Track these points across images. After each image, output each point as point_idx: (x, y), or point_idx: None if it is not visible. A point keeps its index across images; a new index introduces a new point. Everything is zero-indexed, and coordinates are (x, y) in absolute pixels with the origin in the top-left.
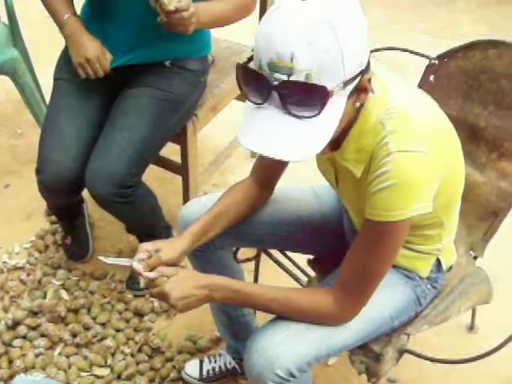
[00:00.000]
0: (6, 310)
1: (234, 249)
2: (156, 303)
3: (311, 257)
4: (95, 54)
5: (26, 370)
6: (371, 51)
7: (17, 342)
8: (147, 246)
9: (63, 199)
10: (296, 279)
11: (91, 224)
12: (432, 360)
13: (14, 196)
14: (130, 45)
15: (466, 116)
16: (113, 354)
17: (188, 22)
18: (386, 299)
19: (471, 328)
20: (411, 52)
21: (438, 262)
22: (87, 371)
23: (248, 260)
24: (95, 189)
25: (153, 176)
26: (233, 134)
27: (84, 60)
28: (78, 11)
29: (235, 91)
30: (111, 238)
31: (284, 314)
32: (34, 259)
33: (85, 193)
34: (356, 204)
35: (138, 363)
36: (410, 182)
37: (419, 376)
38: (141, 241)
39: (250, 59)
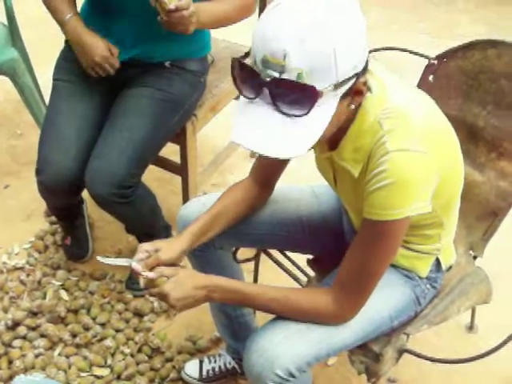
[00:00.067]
0: (5, 311)
1: (234, 249)
2: (156, 303)
3: (311, 257)
4: (102, 54)
5: (25, 371)
6: (370, 51)
7: (16, 343)
8: (146, 246)
9: (63, 200)
10: (295, 279)
11: (91, 224)
12: (432, 360)
13: (14, 196)
14: (133, 41)
15: (465, 116)
16: (112, 355)
17: (188, 21)
18: (386, 299)
19: (471, 328)
20: (410, 52)
21: (438, 262)
22: (87, 371)
23: (247, 260)
24: (95, 189)
25: (152, 176)
26: None
27: (93, 64)
28: (79, 10)
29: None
30: (111, 239)
31: (283, 314)
32: (33, 260)
33: (85, 193)
34: (355, 204)
35: (137, 363)
36: (407, 180)
37: (419, 376)
38: (140, 241)
39: (247, 54)
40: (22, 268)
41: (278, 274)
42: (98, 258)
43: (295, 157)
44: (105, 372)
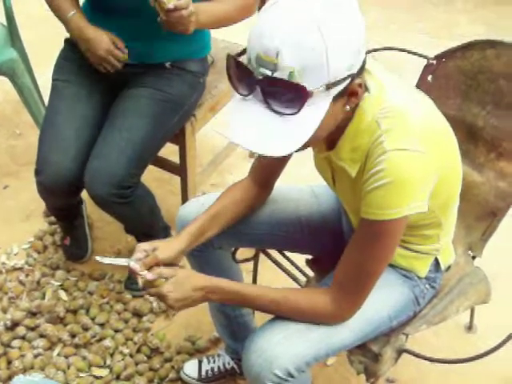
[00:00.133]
0: (4, 311)
1: (233, 249)
2: (155, 304)
3: (310, 257)
4: (105, 47)
5: (24, 371)
6: (369, 51)
7: (15, 343)
8: (144, 245)
9: (62, 200)
10: (295, 279)
11: (90, 225)
12: (430, 360)
13: (13, 197)
14: (134, 41)
15: (465, 116)
16: (112, 355)
17: (187, 21)
18: (385, 299)
19: (470, 328)
20: (409, 52)
21: (437, 262)
22: (86, 371)
23: (246, 260)
24: (94, 189)
25: (151, 176)
26: None
27: (98, 59)
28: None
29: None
30: (110, 239)
31: (282, 314)
32: (32, 260)
33: (84, 194)
34: (353, 204)
35: (136, 363)
36: (404, 180)
37: (418, 376)
38: (139, 241)
39: (244, 51)
40: (20, 268)
41: (277, 274)
42: (97, 257)
43: (284, 155)
44: (104, 372)
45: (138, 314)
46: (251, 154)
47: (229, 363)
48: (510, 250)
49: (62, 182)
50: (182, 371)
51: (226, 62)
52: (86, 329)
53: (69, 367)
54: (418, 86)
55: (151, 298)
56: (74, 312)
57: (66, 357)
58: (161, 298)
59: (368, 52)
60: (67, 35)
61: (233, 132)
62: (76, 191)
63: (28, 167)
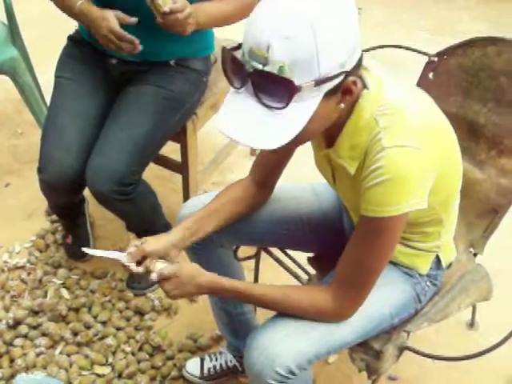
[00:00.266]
0: (6, 310)
1: (234, 247)
2: (157, 302)
3: (311, 255)
4: (108, 25)
5: (27, 369)
6: (371, 49)
7: (18, 342)
8: (136, 241)
9: (65, 198)
10: (296, 277)
11: (92, 223)
12: (432, 357)
13: (15, 195)
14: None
15: (466, 113)
16: (114, 353)
17: (184, 23)
18: (386, 297)
19: (471, 325)
20: (411, 49)
21: (438, 259)
22: (88, 370)
23: (248, 258)
24: (95, 186)
25: (153, 174)
26: None
27: (103, 39)
28: None
29: None
30: (112, 237)
31: (284, 311)
32: (34, 258)
33: (86, 192)
34: (353, 201)
35: (138, 362)
36: (403, 177)
37: (420, 373)
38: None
39: (240, 46)
40: (23, 267)
41: (279, 272)
42: (83, 248)
43: (271, 149)
44: (106, 370)
45: (139, 312)
46: (252, 153)
47: (231, 361)
48: (511, 247)
49: (64, 180)
50: (184, 369)
51: (221, 56)
52: (88, 327)
53: (71, 365)
54: (419, 84)
55: (153, 297)
56: (76, 310)
57: (68, 355)
58: (162, 289)
59: (370, 49)
60: (69, 33)
61: (223, 123)
62: (79, 188)
63: (30, 166)
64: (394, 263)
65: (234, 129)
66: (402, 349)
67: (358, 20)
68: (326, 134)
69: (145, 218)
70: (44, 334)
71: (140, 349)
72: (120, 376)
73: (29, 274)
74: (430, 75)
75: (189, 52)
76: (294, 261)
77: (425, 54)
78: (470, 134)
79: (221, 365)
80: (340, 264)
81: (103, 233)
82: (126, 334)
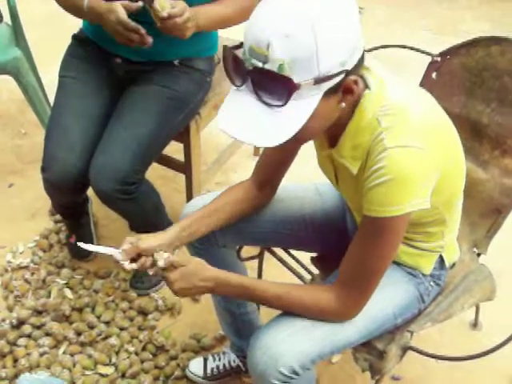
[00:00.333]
0: (10, 310)
1: (238, 247)
2: (160, 302)
3: (315, 254)
4: (116, 16)
5: (30, 369)
6: (373, 48)
7: (21, 341)
8: (131, 238)
9: (68, 197)
10: (300, 277)
11: (95, 223)
12: (436, 357)
13: (18, 195)
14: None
15: (469, 113)
16: (117, 353)
17: (183, 27)
18: (390, 297)
19: (475, 325)
20: (414, 49)
21: (441, 259)
22: (91, 370)
23: (251, 258)
24: (98, 185)
25: (156, 174)
26: None
27: (114, 31)
28: None
29: None
30: (115, 237)
31: (287, 309)
32: (38, 258)
33: (90, 192)
34: (356, 201)
35: (142, 361)
36: (405, 177)
37: (423, 373)
38: None
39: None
40: (26, 267)
41: (282, 272)
42: (79, 243)
43: (270, 146)
44: (109, 370)
45: (143, 312)
46: (256, 153)
47: (234, 361)
48: None
49: (68, 179)
50: (187, 369)
51: (222, 54)
52: (91, 327)
53: (74, 365)
54: (422, 84)
55: (156, 297)
56: (80, 310)
57: (72, 355)
58: (166, 282)
59: (372, 49)
60: (72, 33)
61: (222, 120)
62: (82, 188)
63: (33, 166)
64: (397, 263)
65: (233, 126)
66: (405, 349)
67: (359, 19)
68: (329, 134)
69: (148, 217)
70: (47, 334)
71: (143, 349)
72: (123, 376)
73: (32, 273)
74: (433, 75)
75: (193, 52)
76: (297, 261)
77: (428, 53)
78: (474, 134)
79: (224, 365)
80: (343, 264)
81: (107, 232)
82: (129, 334)
